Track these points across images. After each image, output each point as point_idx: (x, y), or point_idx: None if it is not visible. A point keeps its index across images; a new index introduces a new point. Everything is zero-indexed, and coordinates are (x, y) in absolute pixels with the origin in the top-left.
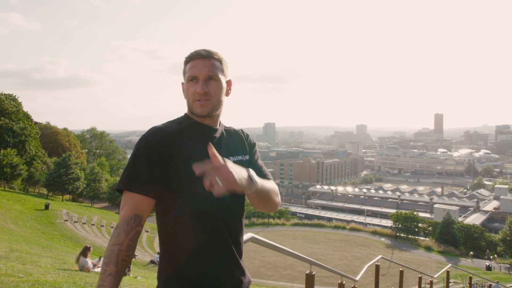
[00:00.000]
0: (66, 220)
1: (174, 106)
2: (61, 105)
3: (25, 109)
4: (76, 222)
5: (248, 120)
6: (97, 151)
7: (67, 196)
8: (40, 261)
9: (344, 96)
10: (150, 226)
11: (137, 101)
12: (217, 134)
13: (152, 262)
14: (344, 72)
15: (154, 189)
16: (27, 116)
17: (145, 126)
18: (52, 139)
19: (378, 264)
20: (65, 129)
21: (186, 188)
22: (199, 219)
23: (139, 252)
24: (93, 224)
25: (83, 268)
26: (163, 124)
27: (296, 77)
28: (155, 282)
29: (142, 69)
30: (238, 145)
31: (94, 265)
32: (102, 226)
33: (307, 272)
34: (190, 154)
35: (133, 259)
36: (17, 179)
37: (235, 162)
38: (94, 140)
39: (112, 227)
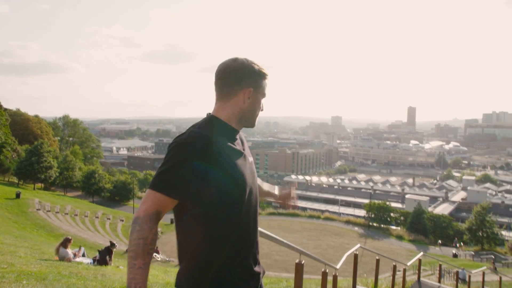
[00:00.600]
0: (39, 209)
1: (149, 94)
2: (32, 91)
3: None
4: (49, 211)
5: None
6: (70, 139)
7: (39, 185)
8: (18, 251)
9: (320, 88)
10: (125, 215)
11: (111, 89)
12: (237, 137)
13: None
14: (320, 64)
15: (184, 193)
16: None
17: (119, 114)
18: (23, 126)
19: (357, 253)
20: (36, 116)
21: (229, 186)
22: (232, 225)
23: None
24: (67, 213)
25: (64, 259)
26: (200, 128)
27: (273, 67)
28: None
29: (116, 56)
30: (247, 148)
31: (75, 255)
32: (76, 215)
33: (297, 261)
34: (230, 161)
35: (113, 249)
36: None
37: (250, 163)
38: (67, 128)
39: (86, 216)
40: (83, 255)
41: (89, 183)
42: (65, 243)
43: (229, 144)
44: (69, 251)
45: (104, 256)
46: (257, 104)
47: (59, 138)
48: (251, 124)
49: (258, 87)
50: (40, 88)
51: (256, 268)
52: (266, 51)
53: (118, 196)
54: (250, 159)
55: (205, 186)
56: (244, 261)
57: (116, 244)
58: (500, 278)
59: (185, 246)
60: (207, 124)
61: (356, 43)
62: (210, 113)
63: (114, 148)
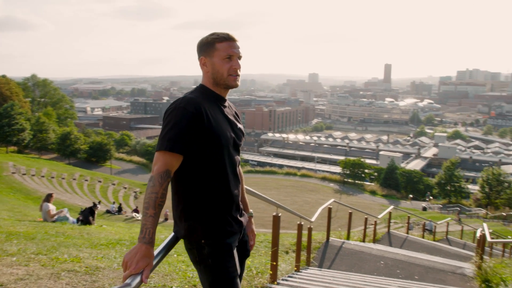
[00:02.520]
0: (14, 173)
1: (123, 53)
2: None
3: None
4: (25, 174)
5: (199, 68)
6: (42, 100)
7: (12, 148)
8: (0, 213)
9: (297, 45)
10: (103, 176)
11: (83, 47)
12: (226, 104)
13: (108, 211)
14: (298, 20)
15: (188, 149)
16: None
17: (92, 73)
18: None
19: (331, 207)
20: (3, 76)
21: (217, 140)
22: (226, 167)
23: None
24: (43, 176)
25: (47, 214)
26: (191, 94)
27: (249, 24)
28: (119, 230)
29: (87, 13)
30: (236, 114)
31: (56, 214)
32: (53, 177)
33: (274, 214)
34: (215, 120)
35: (96, 210)
36: None
37: (240, 128)
38: (37, 88)
39: (63, 178)
40: (67, 216)
41: (64, 145)
42: (48, 198)
43: (213, 104)
44: (51, 205)
45: (87, 216)
46: (217, 67)
47: (30, 99)
48: (226, 85)
49: (210, 52)
50: (6, 46)
51: (239, 216)
52: (242, 7)
53: (95, 157)
54: (235, 121)
55: (199, 139)
56: (229, 205)
57: (98, 206)
58: (462, 227)
59: (185, 197)
60: (196, 90)
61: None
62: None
63: (89, 109)
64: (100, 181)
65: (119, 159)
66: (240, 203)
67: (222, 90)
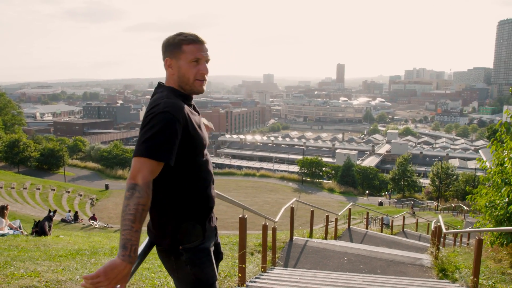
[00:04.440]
0: None
1: (73, 56)
2: None
3: None
4: None
5: (154, 71)
6: None
7: None
8: None
9: (252, 46)
10: (56, 184)
11: (30, 50)
12: (193, 107)
13: (63, 220)
14: (253, 22)
15: (172, 154)
16: None
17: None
18: None
19: (293, 206)
20: None
21: (199, 145)
22: (204, 171)
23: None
24: None
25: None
26: (170, 98)
27: (204, 26)
28: (78, 239)
29: (33, 14)
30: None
31: (12, 228)
32: (1, 187)
33: (240, 216)
34: (197, 125)
35: (53, 217)
36: None
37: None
38: None
39: (13, 188)
40: (20, 227)
41: (12, 153)
42: (2, 211)
43: (188, 107)
44: (5, 220)
45: (43, 227)
46: (183, 70)
47: None
48: (191, 90)
49: (176, 54)
50: None
51: (214, 219)
52: (195, 9)
53: (47, 164)
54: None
55: (183, 145)
56: (207, 209)
57: (52, 214)
58: (417, 220)
59: (162, 203)
60: (170, 93)
61: (288, 1)
62: (160, 82)
63: (38, 114)
64: (53, 189)
65: (72, 166)
66: None
67: (188, 93)
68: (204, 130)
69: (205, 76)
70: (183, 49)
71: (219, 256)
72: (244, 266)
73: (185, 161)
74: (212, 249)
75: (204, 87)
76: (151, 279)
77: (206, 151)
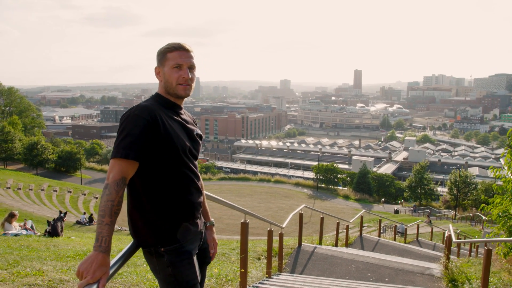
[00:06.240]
0: None
1: (92, 60)
2: None
3: None
4: None
5: None
6: (7, 108)
7: None
8: None
9: (268, 51)
10: (73, 186)
11: (50, 55)
12: (182, 112)
13: (78, 222)
14: (269, 27)
15: (143, 156)
16: None
17: (61, 81)
18: None
19: (302, 212)
20: None
21: (173, 147)
22: (183, 174)
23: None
24: (9, 187)
25: (9, 234)
26: (146, 102)
27: (220, 31)
28: (88, 241)
29: (53, 19)
30: (193, 121)
31: (21, 227)
32: (19, 189)
33: (242, 221)
34: (171, 128)
35: (65, 217)
36: None
37: (197, 134)
38: (2, 97)
39: (31, 190)
40: (32, 228)
41: (31, 155)
42: (9, 218)
43: (169, 112)
44: (13, 226)
45: (56, 227)
46: (167, 76)
47: None
48: (175, 94)
49: (162, 62)
50: None
51: (198, 224)
52: (212, 14)
53: (64, 167)
54: (192, 127)
55: (155, 146)
56: (188, 212)
57: (62, 215)
58: (432, 229)
59: (143, 205)
60: (151, 98)
61: (304, 6)
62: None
63: (57, 117)
64: (70, 192)
65: (89, 169)
66: (200, 211)
67: (176, 99)
68: (186, 135)
69: (187, 80)
70: (167, 56)
71: (205, 260)
72: (244, 271)
73: (163, 165)
74: (195, 252)
75: (189, 91)
76: (152, 281)
77: (188, 158)
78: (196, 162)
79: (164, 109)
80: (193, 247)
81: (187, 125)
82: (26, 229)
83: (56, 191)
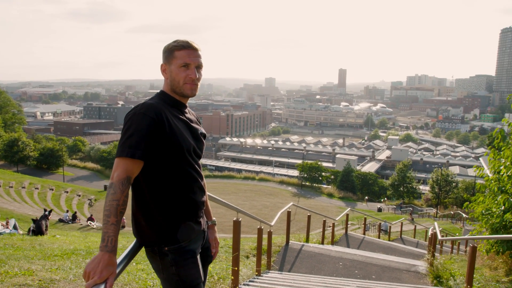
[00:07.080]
0: None
1: (75, 56)
2: None
3: None
4: None
5: (156, 72)
6: None
7: None
8: None
9: (254, 49)
10: (55, 183)
11: (32, 50)
12: (187, 111)
13: (60, 220)
14: (255, 25)
15: (148, 155)
16: None
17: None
18: None
19: (290, 210)
20: None
21: (177, 146)
22: (187, 174)
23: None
24: None
25: None
26: (152, 100)
27: (206, 28)
28: (74, 239)
29: (35, 13)
30: (197, 120)
31: (4, 226)
32: None
33: (234, 219)
34: (176, 127)
35: (49, 216)
36: None
37: (201, 133)
38: None
39: (11, 187)
40: (14, 227)
41: (12, 152)
42: None
43: (174, 111)
44: None
45: (40, 226)
46: (174, 74)
47: None
48: (182, 93)
49: (169, 59)
50: None
51: (202, 223)
52: (198, 11)
53: (46, 164)
54: (197, 126)
55: (160, 145)
56: (191, 211)
57: (47, 212)
58: (415, 227)
59: (147, 204)
60: (156, 96)
61: (291, 5)
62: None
63: (38, 114)
64: (52, 189)
65: (72, 166)
66: (203, 210)
67: (182, 97)
68: (190, 134)
69: (194, 80)
70: (174, 54)
71: (207, 259)
72: (237, 269)
73: (167, 165)
74: (198, 251)
75: (195, 91)
76: (144, 280)
77: (192, 158)
78: (199, 162)
79: (170, 108)
80: (196, 246)
81: (192, 124)
82: (9, 228)
83: (37, 188)
